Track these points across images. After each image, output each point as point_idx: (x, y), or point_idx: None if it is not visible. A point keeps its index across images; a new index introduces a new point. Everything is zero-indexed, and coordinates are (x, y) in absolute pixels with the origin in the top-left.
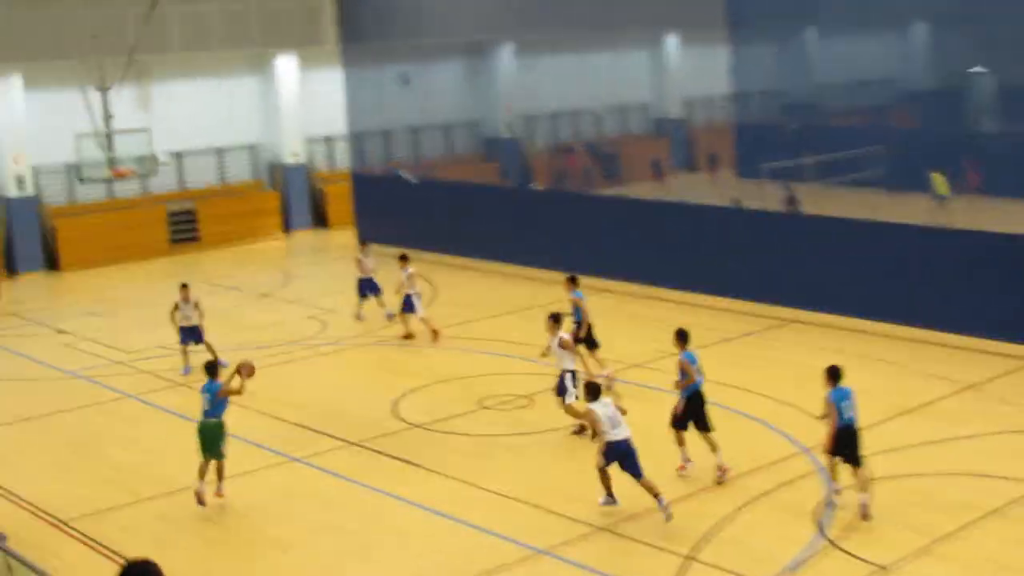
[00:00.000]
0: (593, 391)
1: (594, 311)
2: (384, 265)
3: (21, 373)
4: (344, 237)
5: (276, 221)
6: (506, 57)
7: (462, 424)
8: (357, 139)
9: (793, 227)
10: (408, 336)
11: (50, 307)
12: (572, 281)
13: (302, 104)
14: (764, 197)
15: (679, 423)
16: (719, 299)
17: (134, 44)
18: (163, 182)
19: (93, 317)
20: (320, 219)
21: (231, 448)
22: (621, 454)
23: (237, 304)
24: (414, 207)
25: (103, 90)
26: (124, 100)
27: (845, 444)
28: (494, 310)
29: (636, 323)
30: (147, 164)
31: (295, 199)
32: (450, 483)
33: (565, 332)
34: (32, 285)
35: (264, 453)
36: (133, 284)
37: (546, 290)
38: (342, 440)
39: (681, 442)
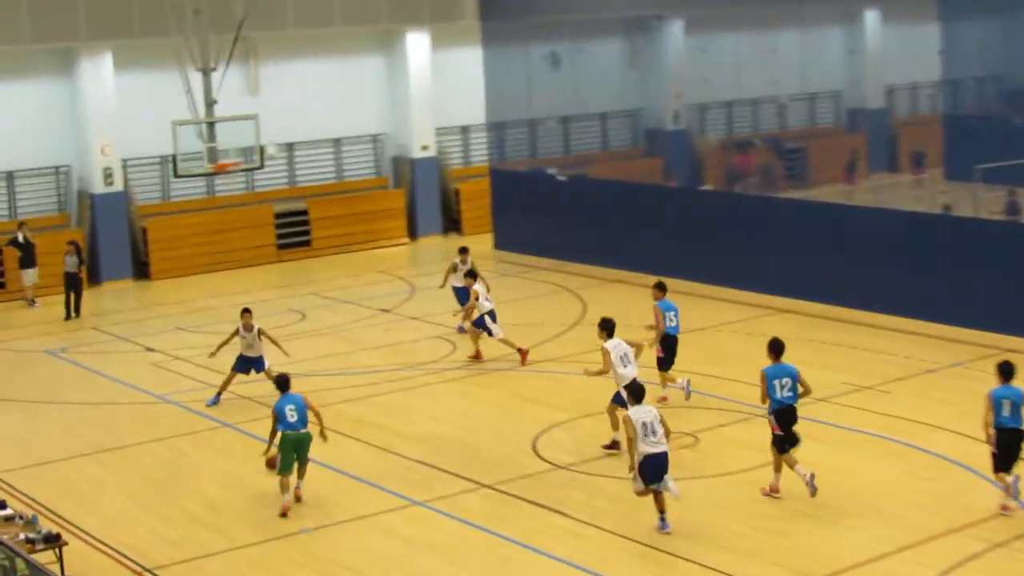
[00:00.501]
0: (635, 393)
1: (775, 335)
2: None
3: (103, 396)
4: (480, 244)
5: (400, 224)
6: (674, 36)
7: (614, 465)
8: (497, 130)
9: (1014, 239)
10: (476, 357)
11: (137, 320)
12: (659, 288)
13: (434, 89)
14: (979, 203)
15: (779, 444)
16: (923, 323)
17: (242, 20)
18: (271, 178)
19: (187, 333)
20: (452, 222)
21: (343, 486)
22: (659, 468)
23: (352, 320)
24: (562, 210)
25: (205, 72)
26: (229, 84)
27: (1002, 448)
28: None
29: (823, 351)
30: (253, 157)
31: (423, 199)
32: (599, 534)
33: (620, 339)
34: (118, 295)
35: (381, 495)
36: (234, 296)
37: (715, 310)
38: (473, 481)
39: (777, 467)
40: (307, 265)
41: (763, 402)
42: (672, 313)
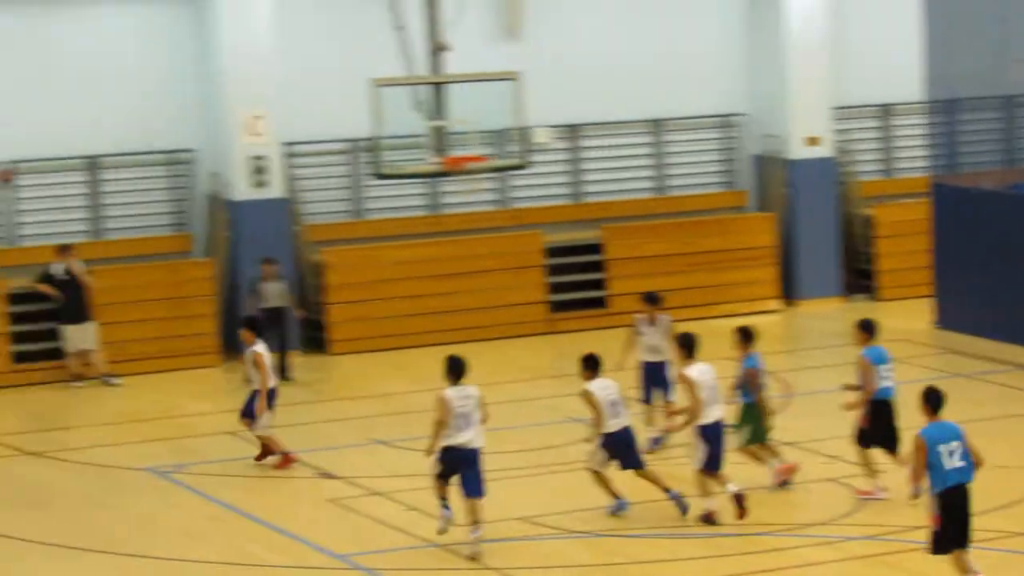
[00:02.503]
0: (592, 365)
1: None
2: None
3: (245, 552)
4: (909, 318)
5: (767, 274)
6: None
7: None
8: (945, 114)
9: None
10: (262, 455)
11: (305, 424)
12: (865, 329)
13: (832, 39)
14: None
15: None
16: None
17: None
18: (541, 185)
19: (389, 449)
20: (859, 275)
21: None
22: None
23: (674, 443)
24: None
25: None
26: (472, 19)
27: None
28: None
29: None
30: (510, 147)
31: (809, 232)
32: None
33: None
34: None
35: None
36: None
37: None
38: None
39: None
40: (599, 339)
41: (916, 480)
42: (886, 366)
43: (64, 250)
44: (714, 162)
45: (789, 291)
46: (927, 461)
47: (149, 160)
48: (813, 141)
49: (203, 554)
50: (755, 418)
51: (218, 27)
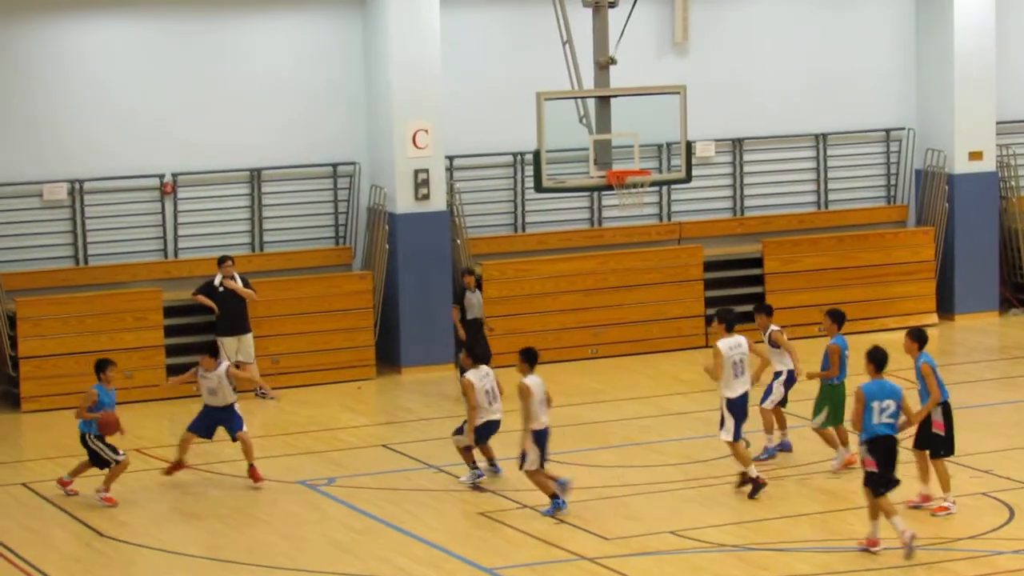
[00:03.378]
0: (479, 356)
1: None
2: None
3: (395, 567)
4: None
5: (926, 288)
6: None
7: None
8: None
9: None
10: (171, 469)
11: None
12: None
13: (998, 49)
14: None
15: (871, 485)
16: None
17: None
18: (703, 199)
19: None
20: (1019, 290)
21: None
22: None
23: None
24: None
25: (597, 8)
26: (637, 32)
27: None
28: None
29: None
30: (674, 162)
31: (968, 246)
32: None
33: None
34: (425, 388)
35: None
36: (620, 403)
37: None
38: None
39: (873, 514)
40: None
41: (855, 428)
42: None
43: (223, 262)
44: (876, 176)
45: (946, 305)
46: (862, 412)
47: (311, 173)
48: (976, 156)
49: (352, 567)
50: (834, 400)
51: (385, 40)
